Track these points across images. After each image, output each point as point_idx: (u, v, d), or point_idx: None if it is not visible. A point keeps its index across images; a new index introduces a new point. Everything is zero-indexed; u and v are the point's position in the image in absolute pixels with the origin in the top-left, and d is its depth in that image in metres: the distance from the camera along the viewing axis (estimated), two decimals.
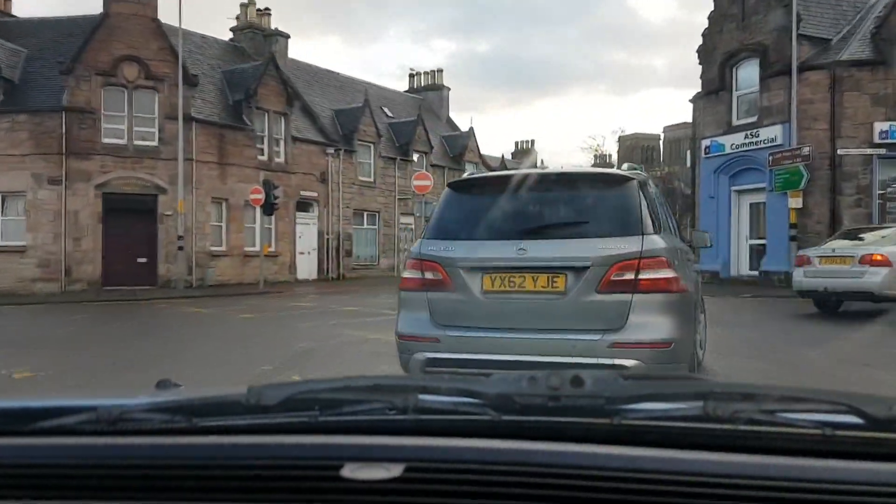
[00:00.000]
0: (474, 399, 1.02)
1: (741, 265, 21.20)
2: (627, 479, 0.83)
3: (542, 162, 56.80)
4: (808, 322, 11.50)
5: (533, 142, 57.05)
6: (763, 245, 20.42)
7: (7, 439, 0.99)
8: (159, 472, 0.92)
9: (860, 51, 18.98)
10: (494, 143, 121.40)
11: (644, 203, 4.59)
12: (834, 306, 12.28)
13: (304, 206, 27.33)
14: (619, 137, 62.87)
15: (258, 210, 23.10)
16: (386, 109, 34.12)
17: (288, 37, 30.09)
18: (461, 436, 0.92)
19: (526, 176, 4.95)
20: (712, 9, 22.46)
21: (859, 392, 1.07)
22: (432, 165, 32.80)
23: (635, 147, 64.91)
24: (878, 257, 11.04)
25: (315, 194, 27.68)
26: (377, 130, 30.34)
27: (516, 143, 57.78)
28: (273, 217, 24.78)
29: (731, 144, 20.95)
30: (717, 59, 21.66)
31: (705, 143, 21.90)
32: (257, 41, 29.13)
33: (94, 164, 21.53)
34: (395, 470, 0.86)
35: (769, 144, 19.71)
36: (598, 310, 4.35)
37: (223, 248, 23.98)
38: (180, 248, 21.43)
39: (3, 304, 16.48)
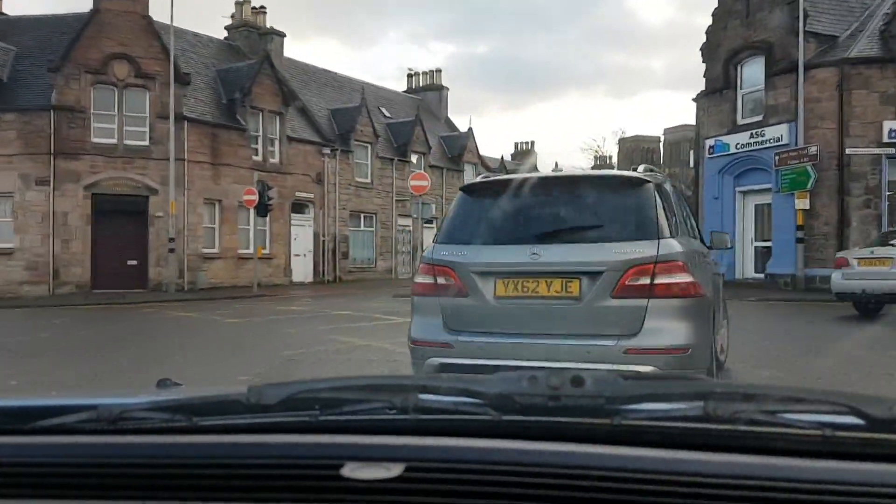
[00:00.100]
0: (474, 399, 1.02)
1: (746, 267, 20.70)
2: (627, 479, 0.83)
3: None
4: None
5: (532, 143, 56.60)
6: (769, 247, 19.93)
7: (7, 438, 1.00)
8: (159, 471, 0.92)
9: (869, 48, 18.52)
10: (494, 144, 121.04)
11: (660, 206, 4.50)
12: (874, 309, 12.09)
13: (299, 207, 26.81)
14: (620, 139, 62.56)
15: (252, 211, 22.60)
16: (383, 110, 33.62)
17: (283, 35, 29.59)
18: (461, 435, 0.92)
19: (539, 179, 4.97)
20: (716, 5, 21.98)
21: (860, 393, 1.06)
22: (431, 166, 32.29)
23: (635, 149, 64.69)
24: None
25: (311, 195, 27.16)
26: (374, 130, 29.83)
27: (516, 145, 57.34)
28: (267, 219, 24.27)
29: (736, 144, 20.47)
30: (721, 57, 21.18)
31: (709, 142, 21.42)
32: (252, 40, 28.62)
33: (83, 164, 21.03)
34: (396, 470, 0.86)
35: (775, 144, 19.24)
36: (613, 315, 4.27)
37: (216, 251, 23.46)
38: (171, 251, 20.93)
39: None
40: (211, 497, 0.89)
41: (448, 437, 0.92)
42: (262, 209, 22.16)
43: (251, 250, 23.04)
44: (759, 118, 20.03)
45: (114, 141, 21.45)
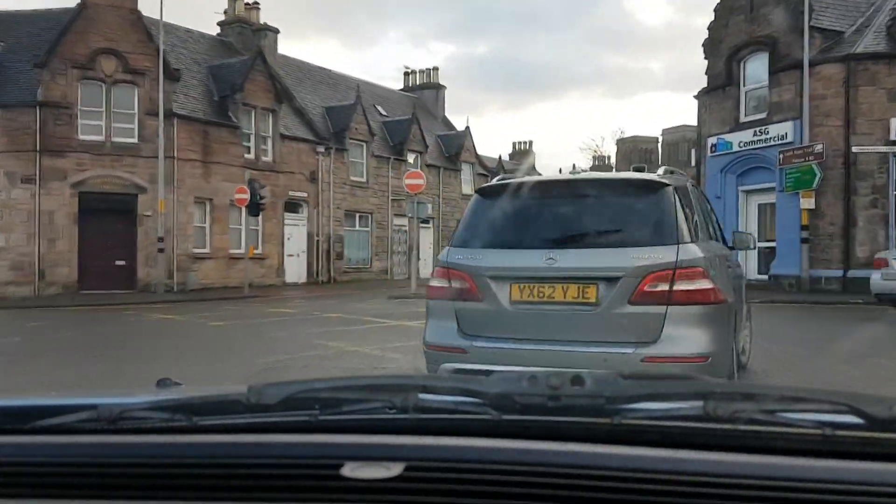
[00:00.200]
0: (475, 398, 1.02)
1: (749, 269, 20.17)
2: (627, 478, 0.83)
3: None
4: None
5: (531, 143, 56.13)
6: (772, 248, 19.45)
7: (8, 438, 1.00)
8: (159, 470, 0.92)
9: (875, 43, 18.05)
10: (492, 144, 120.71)
11: (680, 209, 4.40)
12: None
13: (293, 206, 26.27)
14: (618, 140, 62.33)
15: (244, 211, 22.08)
16: (379, 108, 33.10)
17: (277, 31, 29.05)
18: (461, 435, 0.92)
19: (556, 181, 4.95)
20: (718, 1, 21.49)
21: (860, 392, 1.07)
22: (427, 165, 31.79)
23: (634, 149, 64.44)
24: None
25: (305, 194, 26.62)
26: (370, 129, 29.31)
27: (514, 144, 56.90)
28: (260, 218, 23.77)
29: (739, 142, 19.99)
30: (724, 53, 20.70)
31: (711, 140, 20.93)
32: (245, 36, 28.07)
33: (69, 161, 20.49)
34: (395, 469, 0.86)
35: (779, 142, 18.76)
36: (630, 322, 4.21)
37: (207, 251, 22.92)
38: (161, 251, 20.40)
39: None
40: (211, 497, 0.89)
41: (448, 436, 0.92)
42: (254, 208, 21.67)
43: (243, 250, 22.50)
44: (763, 115, 19.55)
45: (101, 138, 20.90)
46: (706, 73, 21.85)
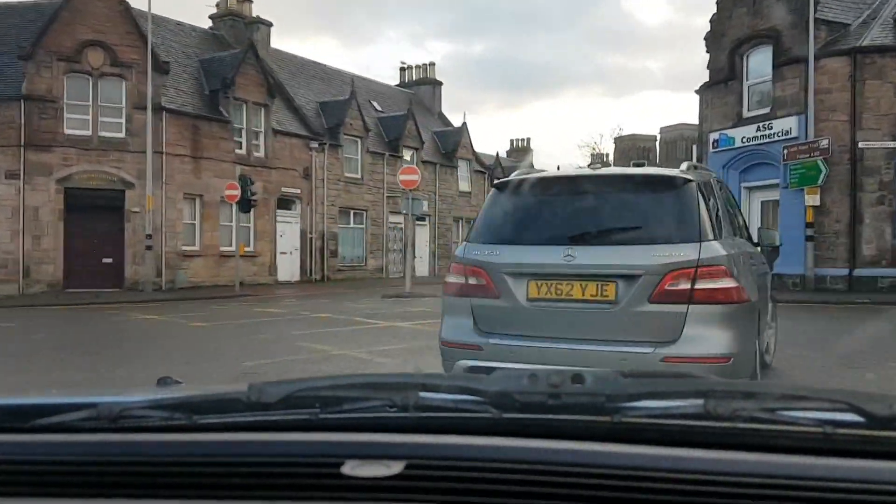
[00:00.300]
0: (475, 396, 1.02)
1: None
2: (627, 476, 0.83)
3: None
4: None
5: (529, 140, 55.52)
6: (776, 246, 18.95)
7: (8, 436, 1.00)
8: (160, 469, 0.92)
9: (882, 36, 17.56)
10: (489, 141, 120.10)
11: (703, 206, 4.29)
12: None
13: (285, 203, 25.73)
14: (616, 138, 61.91)
15: (234, 207, 21.56)
16: (375, 103, 32.56)
17: (270, 25, 28.49)
18: (462, 433, 0.92)
19: (575, 177, 4.88)
20: None
21: (860, 390, 1.06)
22: (423, 161, 31.27)
23: (632, 147, 64.14)
24: None
25: (298, 191, 26.09)
26: (364, 124, 28.77)
27: (511, 142, 56.25)
28: (251, 215, 23.26)
29: (742, 138, 19.48)
30: (726, 47, 20.18)
31: (713, 136, 20.42)
32: (237, 29, 27.50)
33: (55, 156, 19.96)
34: (396, 467, 0.86)
35: (783, 137, 18.26)
36: (650, 321, 4.14)
37: (196, 248, 22.39)
38: (149, 248, 19.88)
39: None
40: (212, 495, 0.89)
41: (448, 434, 0.92)
42: (245, 204, 21.16)
43: (234, 248, 21.98)
44: (767, 110, 19.04)
45: (88, 132, 20.37)
46: (708, 68, 21.34)
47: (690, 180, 4.39)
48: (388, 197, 29.92)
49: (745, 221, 6.03)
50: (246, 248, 22.87)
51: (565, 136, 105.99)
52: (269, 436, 0.94)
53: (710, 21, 21.24)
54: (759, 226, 8.99)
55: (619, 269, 4.18)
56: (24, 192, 19.64)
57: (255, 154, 24.38)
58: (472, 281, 4.55)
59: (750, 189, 19.84)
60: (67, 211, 20.06)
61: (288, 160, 25.57)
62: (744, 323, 4.30)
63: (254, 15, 28.22)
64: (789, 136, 18.11)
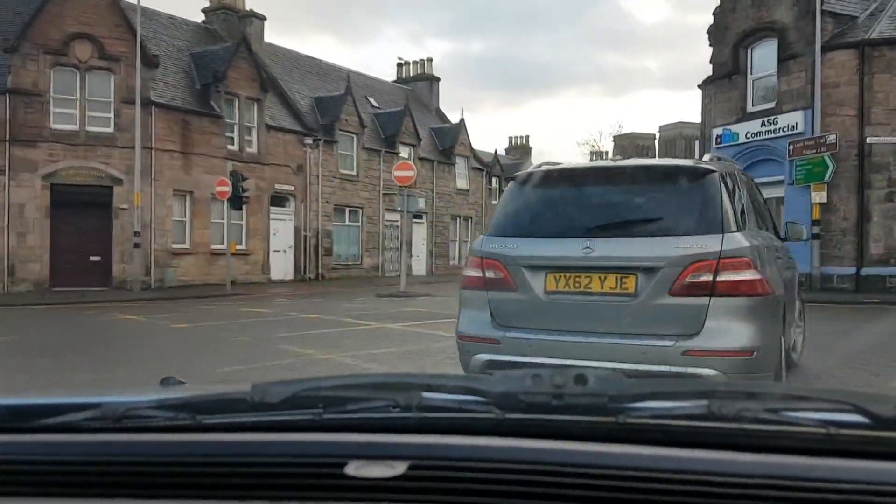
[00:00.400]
0: (479, 397, 1.02)
1: None
2: (631, 477, 0.83)
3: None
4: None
5: (527, 137, 54.94)
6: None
7: (12, 436, 0.99)
8: (163, 469, 0.91)
9: (891, 28, 17.06)
10: (488, 139, 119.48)
11: (726, 197, 4.17)
12: None
13: (279, 200, 25.21)
14: (615, 136, 61.47)
15: (226, 204, 21.05)
16: (371, 99, 32.02)
17: (264, 18, 27.92)
18: (465, 434, 0.92)
19: (595, 168, 4.90)
20: None
21: (863, 391, 1.05)
22: (420, 158, 30.76)
23: (631, 145, 63.71)
24: None
25: (291, 188, 25.55)
26: (360, 120, 28.24)
27: (510, 139, 55.69)
28: (244, 212, 22.78)
29: (746, 133, 18.98)
30: (730, 40, 19.68)
31: (716, 131, 19.91)
32: (230, 23, 26.94)
33: (41, 152, 19.44)
34: (399, 468, 0.86)
35: (789, 132, 17.77)
36: (671, 314, 4.04)
37: (186, 246, 21.86)
38: (137, 246, 19.37)
39: None
40: (215, 495, 0.89)
41: (452, 435, 0.91)
42: (236, 201, 20.64)
43: (225, 246, 21.45)
44: (772, 105, 18.55)
45: (75, 127, 19.84)
46: (711, 62, 20.85)
47: (712, 170, 4.28)
48: (384, 194, 29.41)
49: (772, 215, 5.86)
50: (238, 246, 22.34)
51: (564, 135, 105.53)
52: (273, 436, 0.93)
53: (714, 14, 20.74)
54: (787, 220, 8.63)
55: (639, 262, 4.09)
56: (8, 188, 19.12)
57: (248, 150, 23.85)
58: (489, 274, 4.48)
59: None
60: (54, 208, 19.55)
61: (282, 156, 25.05)
62: (768, 316, 4.18)
63: (247, 9, 27.66)
64: (795, 132, 17.62)
